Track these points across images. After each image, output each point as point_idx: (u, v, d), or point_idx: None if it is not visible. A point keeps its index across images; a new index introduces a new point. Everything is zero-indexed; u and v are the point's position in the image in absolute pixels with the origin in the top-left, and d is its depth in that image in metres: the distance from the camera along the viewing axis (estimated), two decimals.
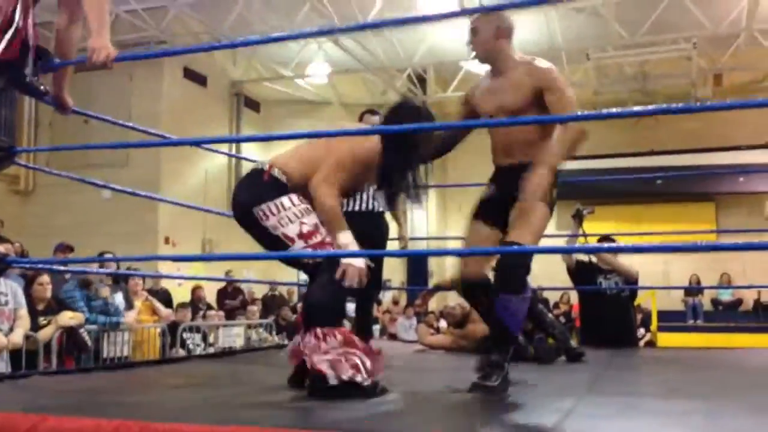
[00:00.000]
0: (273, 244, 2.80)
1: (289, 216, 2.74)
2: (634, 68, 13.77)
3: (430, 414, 2.48)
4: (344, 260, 2.69)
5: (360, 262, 2.71)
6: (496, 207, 3.12)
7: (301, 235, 2.73)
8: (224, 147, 14.05)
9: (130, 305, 6.16)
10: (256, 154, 12.95)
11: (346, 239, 2.73)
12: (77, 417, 2.03)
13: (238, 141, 13.13)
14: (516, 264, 2.87)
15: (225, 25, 11.79)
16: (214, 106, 13.95)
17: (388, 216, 5.05)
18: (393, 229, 5.12)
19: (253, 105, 15.29)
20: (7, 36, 2.43)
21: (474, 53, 3.19)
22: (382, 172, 2.92)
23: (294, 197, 2.79)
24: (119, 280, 6.21)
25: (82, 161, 11.25)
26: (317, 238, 2.74)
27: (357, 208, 4.84)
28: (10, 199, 12.51)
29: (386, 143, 2.87)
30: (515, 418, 2.36)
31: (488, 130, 3.17)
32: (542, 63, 3.12)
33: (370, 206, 4.89)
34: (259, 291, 13.09)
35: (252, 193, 2.82)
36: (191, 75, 13.29)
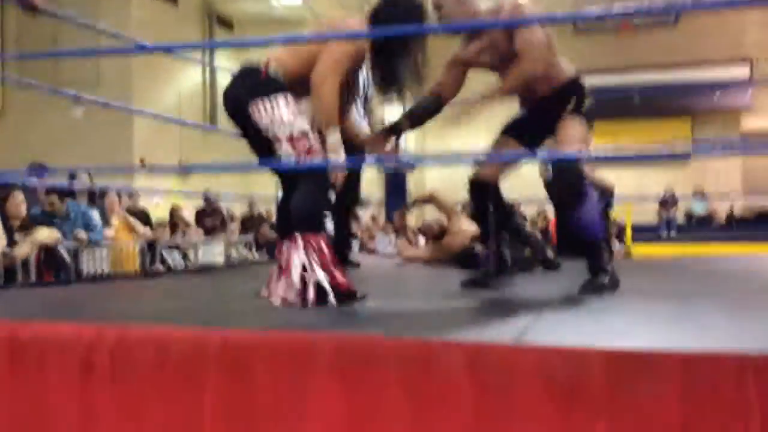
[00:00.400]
0: (260, 143, 2.79)
1: (282, 116, 2.70)
2: None
3: (412, 317, 2.52)
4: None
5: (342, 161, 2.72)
6: (525, 126, 3.26)
7: (290, 139, 2.71)
8: (198, 74, 13.90)
9: (106, 222, 6.11)
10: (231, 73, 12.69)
11: (335, 138, 2.72)
12: (56, 323, 2.04)
13: (212, 47, 12.76)
14: (571, 180, 3.02)
15: None
16: (185, 26, 13.55)
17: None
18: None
19: (227, 24, 14.88)
20: None
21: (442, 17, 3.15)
22: (378, 63, 2.89)
23: (290, 97, 2.75)
24: (95, 198, 6.15)
25: (52, 80, 10.98)
26: (304, 145, 2.72)
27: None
28: None
29: (376, 42, 2.84)
30: (490, 319, 2.41)
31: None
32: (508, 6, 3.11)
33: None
34: (239, 209, 13.08)
35: (248, 88, 2.76)
36: None
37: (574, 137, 3.07)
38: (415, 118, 3.24)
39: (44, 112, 11.37)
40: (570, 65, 3.22)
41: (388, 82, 2.94)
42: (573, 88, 3.17)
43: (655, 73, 14.29)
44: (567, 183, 3.02)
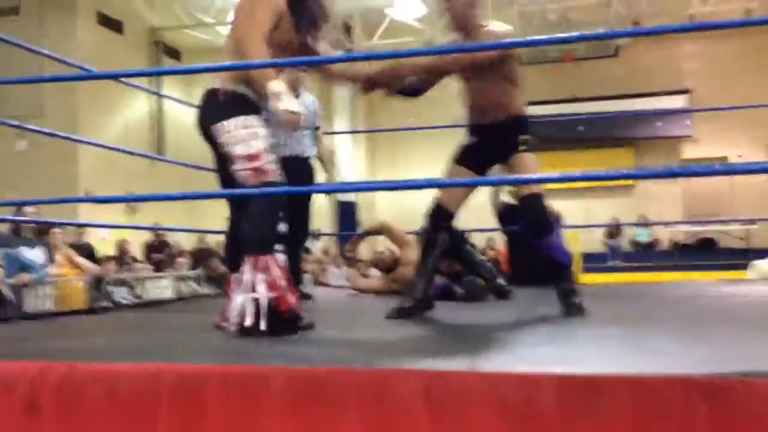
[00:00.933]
0: (222, 163, 2.89)
1: (238, 137, 2.76)
2: (557, 14, 13.93)
3: (365, 346, 2.51)
4: (280, 107, 2.66)
5: (293, 106, 2.68)
6: (476, 154, 3.41)
7: (245, 157, 2.74)
8: (145, 104, 13.73)
9: (51, 259, 5.95)
10: (178, 102, 12.59)
11: (278, 87, 2.69)
12: (1, 361, 1.97)
13: (159, 74, 12.64)
14: (539, 209, 3.25)
15: None
16: (132, 54, 13.42)
17: (315, 162, 5.03)
18: (321, 176, 5.11)
19: (174, 53, 14.79)
20: None
21: (448, 21, 3.37)
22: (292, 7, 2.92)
23: (249, 119, 2.79)
24: (41, 234, 5.98)
25: None
26: (257, 163, 2.73)
27: (285, 153, 4.80)
28: None
29: None
30: (444, 346, 2.42)
31: (464, 94, 3.44)
32: (499, 30, 3.33)
33: (297, 151, 4.85)
34: (188, 244, 12.89)
35: (208, 112, 2.85)
36: (106, 21, 12.72)
37: (534, 169, 3.29)
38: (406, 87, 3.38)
39: None
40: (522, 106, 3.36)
41: (304, 22, 2.96)
42: (523, 124, 3.29)
43: (599, 104, 14.69)
44: (536, 212, 3.19)
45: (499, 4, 13.45)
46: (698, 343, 2.35)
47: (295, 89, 4.88)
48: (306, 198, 4.95)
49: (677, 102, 14.77)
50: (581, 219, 13.73)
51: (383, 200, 16.11)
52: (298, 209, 4.94)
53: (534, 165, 3.30)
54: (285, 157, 4.78)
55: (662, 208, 14.57)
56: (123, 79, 5.29)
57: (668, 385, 1.62)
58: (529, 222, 3.30)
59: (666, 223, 14.13)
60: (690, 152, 15.01)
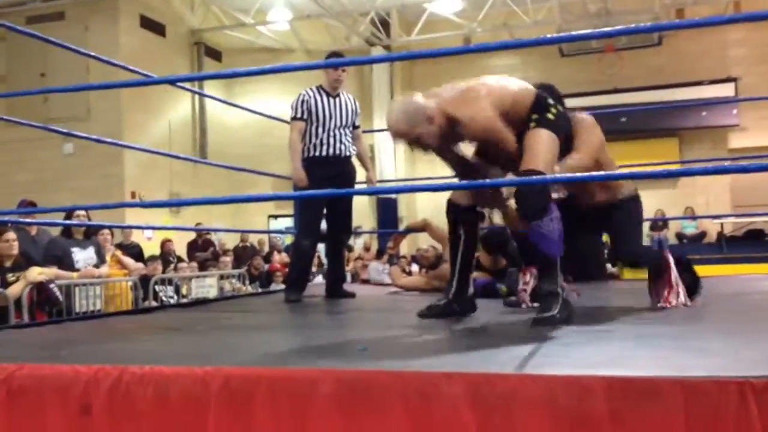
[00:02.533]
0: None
1: None
2: (597, 5, 13.72)
3: (410, 348, 2.51)
4: None
5: None
6: None
7: None
8: (188, 105, 13.92)
9: (102, 259, 6.09)
10: (220, 102, 12.73)
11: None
12: (54, 364, 2.01)
13: (200, 79, 12.78)
14: (532, 191, 2.90)
15: None
16: (174, 56, 13.63)
17: (355, 161, 5.04)
18: (361, 174, 5.12)
19: (215, 54, 14.97)
20: None
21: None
22: None
23: None
24: (90, 235, 6.12)
25: (42, 117, 10.99)
26: None
27: (325, 153, 4.82)
28: None
29: None
30: (489, 348, 2.40)
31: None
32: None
33: (338, 151, 4.86)
34: (231, 242, 13.05)
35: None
36: (148, 24, 12.94)
37: (545, 147, 3.01)
38: None
39: (35, 149, 11.36)
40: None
41: None
42: (538, 103, 3.12)
43: (641, 94, 14.42)
44: (529, 194, 2.91)
45: None
46: (749, 342, 2.30)
47: (334, 89, 4.90)
48: (346, 196, 4.97)
49: (723, 91, 14.42)
50: None
51: (423, 196, 16.07)
52: (338, 207, 4.96)
53: (546, 142, 3.01)
54: (325, 156, 4.82)
55: (709, 199, 14.26)
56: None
57: (722, 388, 1.58)
58: (521, 202, 2.98)
59: (713, 217, 13.81)
60: (737, 142, 14.64)
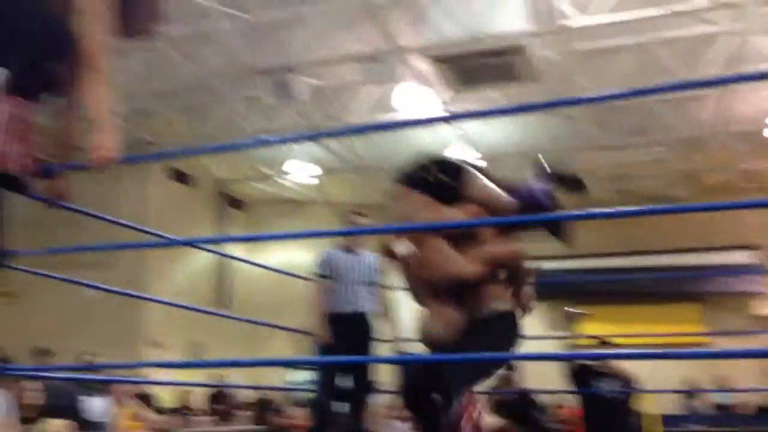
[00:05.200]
0: None
1: None
2: (612, 170, 14.05)
3: None
4: None
5: None
6: None
7: None
8: (210, 253, 14.14)
9: (115, 411, 5.98)
10: (242, 251, 12.97)
11: None
12: None
13: (222, 241, 13.09)
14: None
15: (210, 126, 11.84)
16: (199, 205, 14.04)
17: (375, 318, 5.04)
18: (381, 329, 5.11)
19: (239, 204, 15.39)
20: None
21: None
22: None
23: None
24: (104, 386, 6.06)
25: (67, 261, 11.12)
26: None
27: (345, 309, 4.84)
28: None
29: None
30: None
31: None
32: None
33: (358, 307, 4.89)
34: (249, 396, 12.79)
35: None
36: (177, 175, 13.45)
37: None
38: None
39: (58, 293, 11.43)
40: None
41: None
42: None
43: (661, 257, 14.43)
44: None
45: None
46: None
47: (353, 247, 5.00)
48: (366, 350, 4.95)
49: (743, 257, 14.42)
50: (647, 376, 13.20)
51: None
52: (358, 365, 4.91)
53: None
54: (345, 313, 4.84)
55: (737, 367, 13.88)
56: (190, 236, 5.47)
57: None
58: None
59: (739, 390, 13.34)
60: (762, 308, 14.44)
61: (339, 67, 10.11)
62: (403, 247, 3.06)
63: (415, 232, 3.02)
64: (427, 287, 3.03)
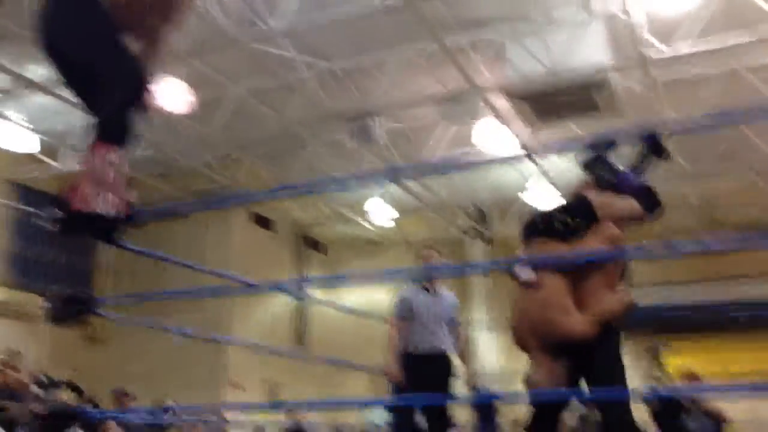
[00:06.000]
0: None
1: None
2: (699, 199, 13.56)
3: None
4: None
5: None
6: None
7: None
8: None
9: None
10: (322, 293, 13.10)
11: None
12: None
13: (303, 282, 13.29)
14: None
15: (293, 172, 12.05)
16: (280, 248, 14.32)
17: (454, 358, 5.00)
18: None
19: (319, 246, 15.60)
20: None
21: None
22: None
23: None
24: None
25: (157, 307, 11.43)
26: None
27: (421, 349, 4.82)
28: (82, 344, 12.69)
29: None
30: None
31: None
32: None
33: (435, 347, 4.86)
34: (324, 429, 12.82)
35: None
36: (258, 219, 13.80)
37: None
38: None
39: (148, 339, 11.72)
40: None
41: None
42: None
43: (752, 284, 13.73)
44: None
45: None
46: None
47: (432, 286, 4.98)
48: (444, 390, 4.89)
49: None
50: (744, 412, 12.52)
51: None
52: (433, 405, 4.86)
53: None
54: (422, 354, 4.81)
55: None
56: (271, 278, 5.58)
57: None
58: None
59: None
60: None
61: (418, 109, 10.21)
62: (526, 273, 3.04)
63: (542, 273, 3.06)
64: (535, 337, 3.07)
